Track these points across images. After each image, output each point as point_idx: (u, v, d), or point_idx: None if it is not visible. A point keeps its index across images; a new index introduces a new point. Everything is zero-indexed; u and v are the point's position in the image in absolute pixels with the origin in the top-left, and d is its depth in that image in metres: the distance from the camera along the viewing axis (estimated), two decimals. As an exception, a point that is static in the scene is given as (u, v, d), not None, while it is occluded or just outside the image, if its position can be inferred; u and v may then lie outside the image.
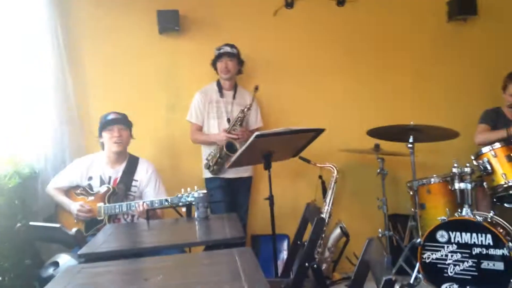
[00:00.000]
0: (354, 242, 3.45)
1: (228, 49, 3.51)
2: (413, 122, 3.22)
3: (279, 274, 2.85)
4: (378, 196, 3.49)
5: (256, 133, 2.85)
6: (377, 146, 3.50)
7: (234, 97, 3.58)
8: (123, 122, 3.04)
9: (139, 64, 3.76)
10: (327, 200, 3.55)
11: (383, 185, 3.48)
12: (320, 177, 3.69)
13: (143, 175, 3.07)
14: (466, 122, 3.70)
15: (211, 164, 3.45)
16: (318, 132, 3.03)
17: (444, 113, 3.94)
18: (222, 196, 3.45)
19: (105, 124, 3.02)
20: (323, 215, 3.46)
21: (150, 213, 2.72)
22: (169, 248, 2.30)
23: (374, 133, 3.42)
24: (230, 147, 3.37)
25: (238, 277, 1.46)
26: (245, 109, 3.47)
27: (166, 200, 2.74)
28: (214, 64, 3.57)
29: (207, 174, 3.52)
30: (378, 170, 3.48)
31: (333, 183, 3.57)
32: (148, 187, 3.06)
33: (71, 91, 3.51)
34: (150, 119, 3.72)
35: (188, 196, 2.65)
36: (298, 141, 3.11)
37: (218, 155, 3.41)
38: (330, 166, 3.59)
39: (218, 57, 3.52)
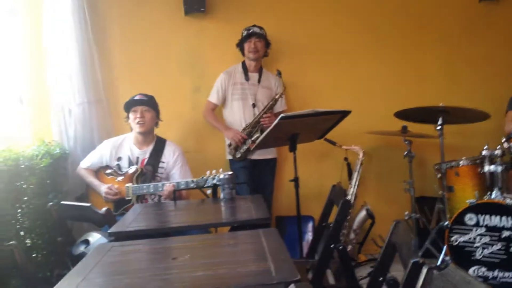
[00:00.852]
0: (380, 224, 3.43)
1: (257, 29, 3.50)
2: (442, 103, 3.15)
3: (304, 255, 2.87)
4: (405, 179, 3.45)
5: (282, 115, 2.84)
6: (404, 128, 3.44)
7: (259, 80, 3.57)
8: (147, 103, 3.08)
9: (165, 46, 3.78)
10: (353, 182, 3.54)
11: (410, 167, 3.43)
12: (346, 159, 3.66)
13: (170, 157, 3.11)
14: (496, 104, 3.61)
15: (236, 151, 3.48)
16: (344, 114, 3.00)
17: (474, 95, 3.83)
18: (246, 177, 3.47)
19: (130, 105, 3.07)
20: (348, 197, 3.45)
21: (176, 194, 2.77)
22: (195, 228, 2.33)
23: (402, 115, 3.36)
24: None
25: (264, 257, 1.48)
26: (277, 96, 3.46)
27: (192, 181, 2.78)
28: (240, 44, 3.56)
29: (231, 156, 3.55)
30: (405, 153, 3.42)
31: (359, 165, 3.54)
32: (174, 169, 3.10)
33: (98, 72, 3.55)
34: (175, 100, 3.75)
35: (213, 179, 2.68)
36: (323, 123, 3.09)
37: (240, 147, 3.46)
38: (356, 148, 3.57)
39: (247, 37, 3.50)
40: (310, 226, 3.75)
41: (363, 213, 3.50)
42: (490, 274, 2.81)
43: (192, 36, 3.79)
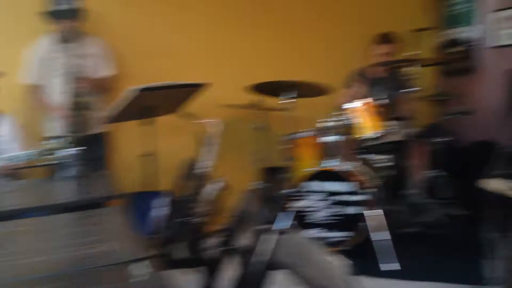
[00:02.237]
0: (231, 195, 3.54)
1: (66, 7, 3.04)
2: (292, 78, 3.32)
3: (156, 231, 2.83)
4: (256, 150, 3.59)
5: (140, 87, 2.71)
6: (256, 102, 3.57)
7: (77, 48, 3.13)
8: None
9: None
10: (206, 156, 3.57)
11: (259, 139, 3.58)
12: (199, 132, 3.67)
13: (6, 131, 2.85)
14: (340, 80, 3.91)
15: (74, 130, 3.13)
16: (200, 87, 3.00)
17: (322, 69, 4.03)
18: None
19: None
20: (200, 170, 3.48)
21: (10, 172, 2.55)
22: (34, 210, 2.12)
23: (254, 88, 3.48)
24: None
25: (108, 237, 1.41)
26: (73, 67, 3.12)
27: (27, 154, 2.49)
28: (46, 15, 3.07)
29: (51, 132, 3.18)
30: (256, 125, 3.56)
31: (212, 138, 3.58)
32: (13, 143, 2.83)
33: None
34: (9, 72, 3.31)
35: (53, 150, 2.44)
36: (179, 96, 3.06)
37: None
38: (209, 121, 3.59)
39: (56, 16, 3.04)
40: (161, 201, 3.69)
41: (214, 185, 3.56)
42: (327, 235, 3.10)
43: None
